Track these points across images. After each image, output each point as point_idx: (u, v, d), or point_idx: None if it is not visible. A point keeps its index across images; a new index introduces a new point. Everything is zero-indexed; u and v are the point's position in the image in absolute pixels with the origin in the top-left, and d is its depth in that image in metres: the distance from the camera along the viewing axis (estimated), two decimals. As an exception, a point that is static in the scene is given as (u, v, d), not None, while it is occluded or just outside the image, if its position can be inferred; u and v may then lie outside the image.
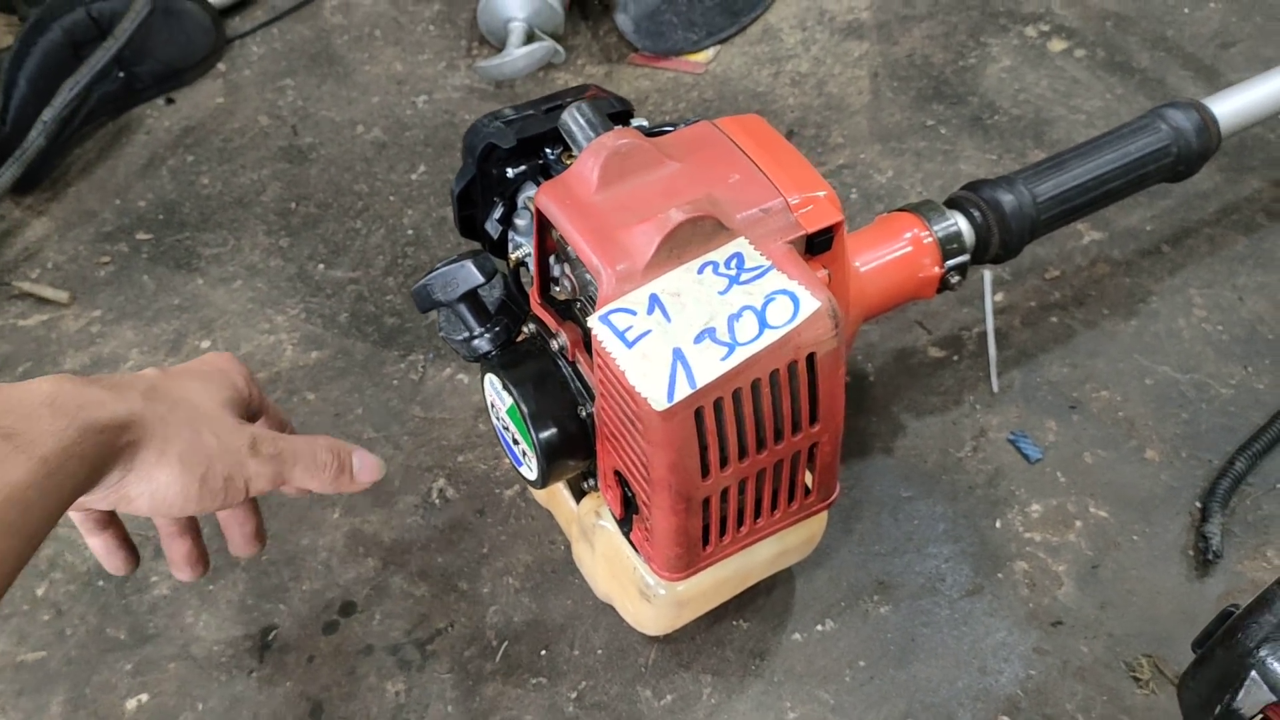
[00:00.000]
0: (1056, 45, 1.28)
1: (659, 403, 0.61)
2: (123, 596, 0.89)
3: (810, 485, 0.74)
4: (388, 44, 1.34)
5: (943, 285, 0.89)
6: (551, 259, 0.73)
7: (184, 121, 1.26)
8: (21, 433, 0.51)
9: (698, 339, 0.62)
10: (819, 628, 0.86)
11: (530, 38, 1.24)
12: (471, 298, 0.74)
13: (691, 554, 0.71)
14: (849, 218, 1.11)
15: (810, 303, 0.63)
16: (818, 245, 0.71)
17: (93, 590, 0.89)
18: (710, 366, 0.61)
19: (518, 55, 1.21)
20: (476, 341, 0.74)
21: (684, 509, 0.68)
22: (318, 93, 1.29)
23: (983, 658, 0.83)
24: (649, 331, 0.62)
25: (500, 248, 0.79)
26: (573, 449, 0.73)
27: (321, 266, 1.11)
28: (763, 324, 0.63)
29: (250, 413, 0.66)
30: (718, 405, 0.64)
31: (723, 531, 0.71)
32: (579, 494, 0.81)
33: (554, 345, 0.74)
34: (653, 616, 0.79)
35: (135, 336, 1.06)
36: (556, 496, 0.85)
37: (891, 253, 0.87)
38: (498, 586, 0.89)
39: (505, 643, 0.86)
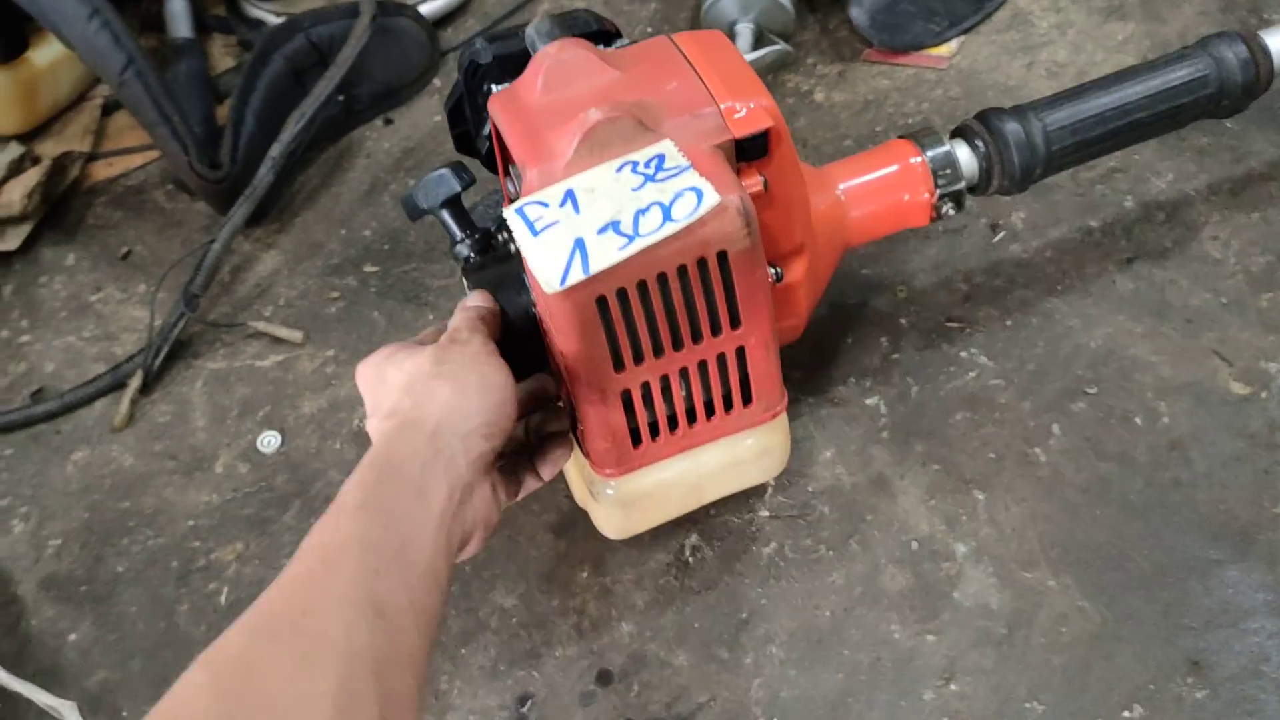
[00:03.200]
0: (1356, 15, 1.13)
1: (550, 285, 0.64)
2: (375, 660, 0.86)
3: (750, 395, 0.75)
4: (604, 50, 1.28)
5: (936, 214, 0.86)
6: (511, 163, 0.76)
7: (403, 142, 1.23)
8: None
9: (601, 230, 0.65)
10: (1125, 714, 0.77)
11: (759, 39, 1.16)
12: (453, 205, 0.78)
13: (620, 450, 0.74)
14: (1123, 227, 1.01)
15: (712, 197, 0.64)
16: (750, 151, 0.72)
17: (345, 652, 0.87)
18: (607, 255, 0.64)
19: (748, 61, 1.13)
20: (458, 247, 0.78)
21: (599, 400, 0.71)
22: (535, 106, 1.24)
23: (1324, 756, 0.73)
24: (556, 222, 0.65)
25: (492, 163, 0.82)
26: (527, 349, 0.73)
27: (552, 297, 1.07)
28: (666, 217, 0.65)
29: None
30: (622, 295, 0.66)
31: (655, 433, 0.75)
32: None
33: (514, 249, 0.74)
34: (605, 517, 0.81)
35: (369, 376, 1.04)
36: None
37: (876, 177, 0.86)
38: (760, 656, 0.83)
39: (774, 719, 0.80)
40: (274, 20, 1.30)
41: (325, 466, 0.98)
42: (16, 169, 1.21)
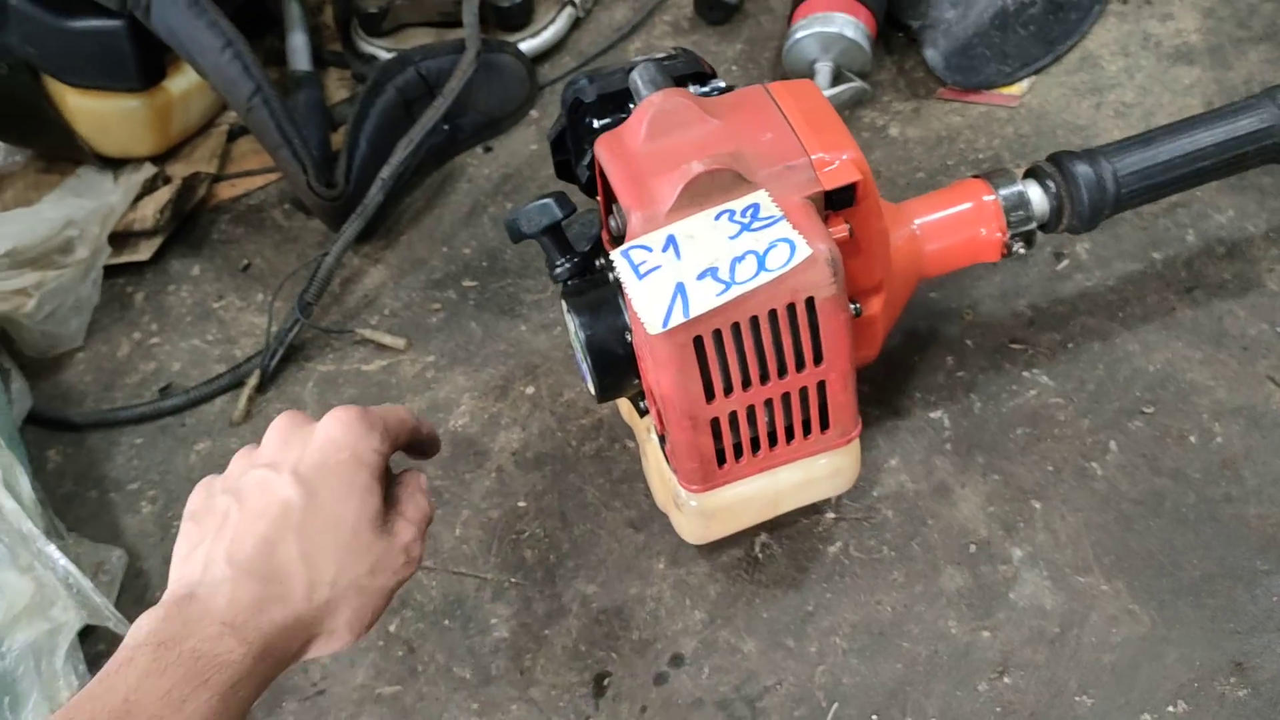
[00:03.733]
0: None
1: (654, 327, 0.70)
2: (467, 637, 0.94)
3: (828, 422, 0.81)
4: (692, 86, 1.36)
5: (1007, 251, 0.92)
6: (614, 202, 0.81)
7: (502, 169, 1.32)
8: (208, 661, 0.55)
9: (700, 276, 0.70)
10: (1170, 709, 0.81)
11: (838, 77, 1.23)
12: (553, 231, 0.84)
13: (706, 470, 0.81)
14: (1184, 259, 1.05)
15: (804, 250, 0.70)
16: (838, 201, 0.78)
17: (440, 629, 0.95)
18: (706, 300, 0.70)
19: (827, 97, 1.20)
20: (557, 270, 0.84)
21: (690, 426, 0.77)
22: (626, 138, 1.32)
23: (1361, 755, 0.77)
24: (659, 266, 0.71)
25: (591, 189, 0.88)
26: (620, 370, 0.80)
27: (637, 313, 1.14)
28: (760, 266, 0.71)
29: (392, 455, 0.69)
30: (717, 336, 0.73)
31: (739, 455, 0.81)
32: (642, 411, 0.87)
33: (611, 277, 0.80)
34: (686, 525, 0.87)
35: (466, 381, 1.12)
36: (634, 414, 0.93)
37: (950, 214, 0.91)
38: (824, 646, 0.89)
39: (835, 704, 0.85)
40: (385, 55, 1.40)
41: (423, 463, 1.06)
42: (150, 187, 1.31)
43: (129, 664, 0.55)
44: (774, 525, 0.95)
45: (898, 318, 0.93)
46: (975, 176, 0.93)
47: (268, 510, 0.61)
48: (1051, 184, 0.92)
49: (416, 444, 0.73)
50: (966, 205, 0.91)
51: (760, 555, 0.94)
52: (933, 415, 1.00)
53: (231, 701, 0.55)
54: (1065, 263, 1.08)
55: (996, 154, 1.19)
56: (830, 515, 0.95)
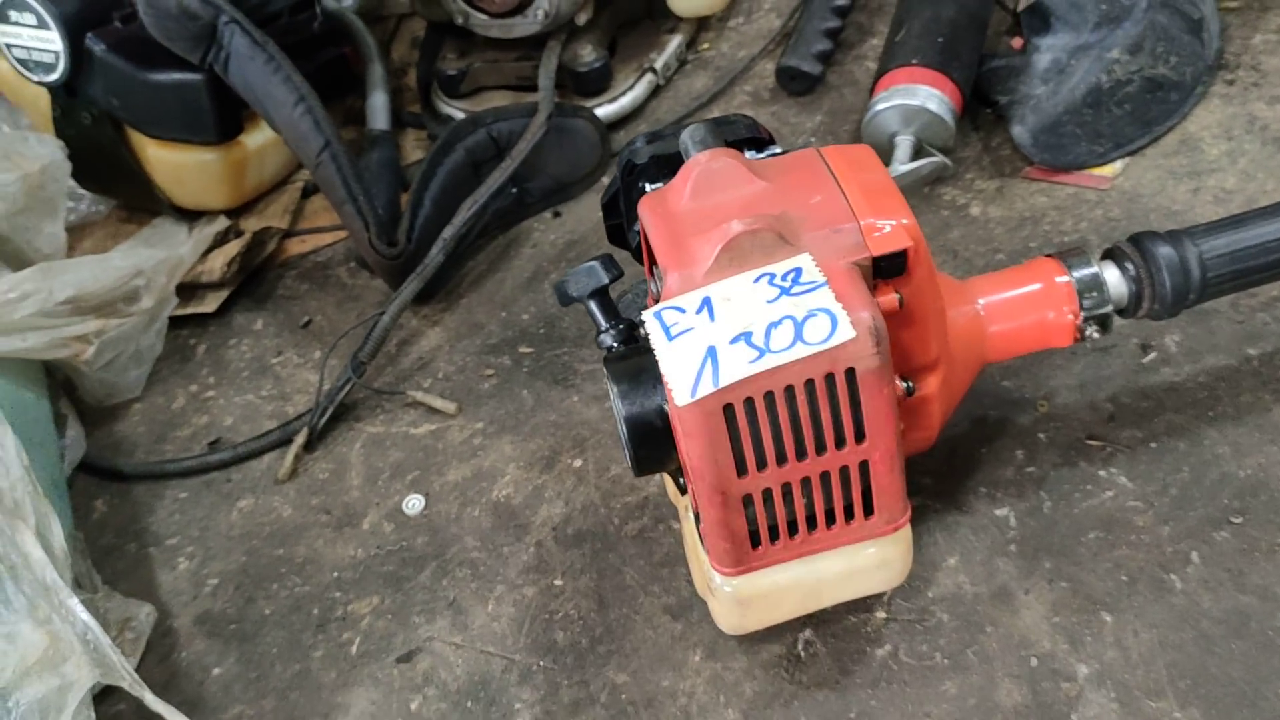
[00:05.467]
0: None
1: (681, 396, 0.67)
2: (488, 719, 0.89)
3: (872, 507, 0.76)
4: (767, 157, 1.33)
5: (1080, 336, 0.86)
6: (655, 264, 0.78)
7: (568, 235, 1.30)
8: None
9: (733, 340, 0.66)
10: None
11: (919, 152, 1.18)
12: (600, 296, 0.81)
13: (739, 551, 0.75)
14: (1285, 362, 0.98)
15: (846, 330, 0.66)
16: (888, 269, 0.73)
17: (462, 710, 0.90)
18: (738, 368, 0.66)
19: (901, 172, 1.16)
20: (602, 337, 0.81)
21: (721, 502, 0.72)
22: (696, 207, 1.29)
23: None
24: (691, 329, 0.68)
25: (640, 254, 0.86)
26: (657, 442, 0.74)
27: (693, 388, 1.09)
28: (798, 336, 0.67)
29: None
30: (749, 405, 0.68)
31: (774, 537, 0.76)
32: (683, 489, 0.82)
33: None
34: (721, 612, 0.81)
35: (513, 450, 1.08)
36: (677, 493, 0.87)
37: (1018, 294, 0.86)
38: (865, 758, 0.82)
39: (872, 825, 0.79)
40: (462, 117, 1.39)
41: (462, 532, 1.03)
42: (221, 240, 1.32)
43: None
44: (819, 621, 0.89)
45: (959, 402, 0.87)
46: (1048, 256, 0.87)
47: None
48: (1130, 266, 0.86)
49: None
50: (1036, 286, 0.85)
51: (803, 653, 0.88)
52: (998, 512, 0.93)
53: None
54: (1152, 355, 1.01)
55: (1083, 237, 1.12)
56: (880, 615, 0.89)
